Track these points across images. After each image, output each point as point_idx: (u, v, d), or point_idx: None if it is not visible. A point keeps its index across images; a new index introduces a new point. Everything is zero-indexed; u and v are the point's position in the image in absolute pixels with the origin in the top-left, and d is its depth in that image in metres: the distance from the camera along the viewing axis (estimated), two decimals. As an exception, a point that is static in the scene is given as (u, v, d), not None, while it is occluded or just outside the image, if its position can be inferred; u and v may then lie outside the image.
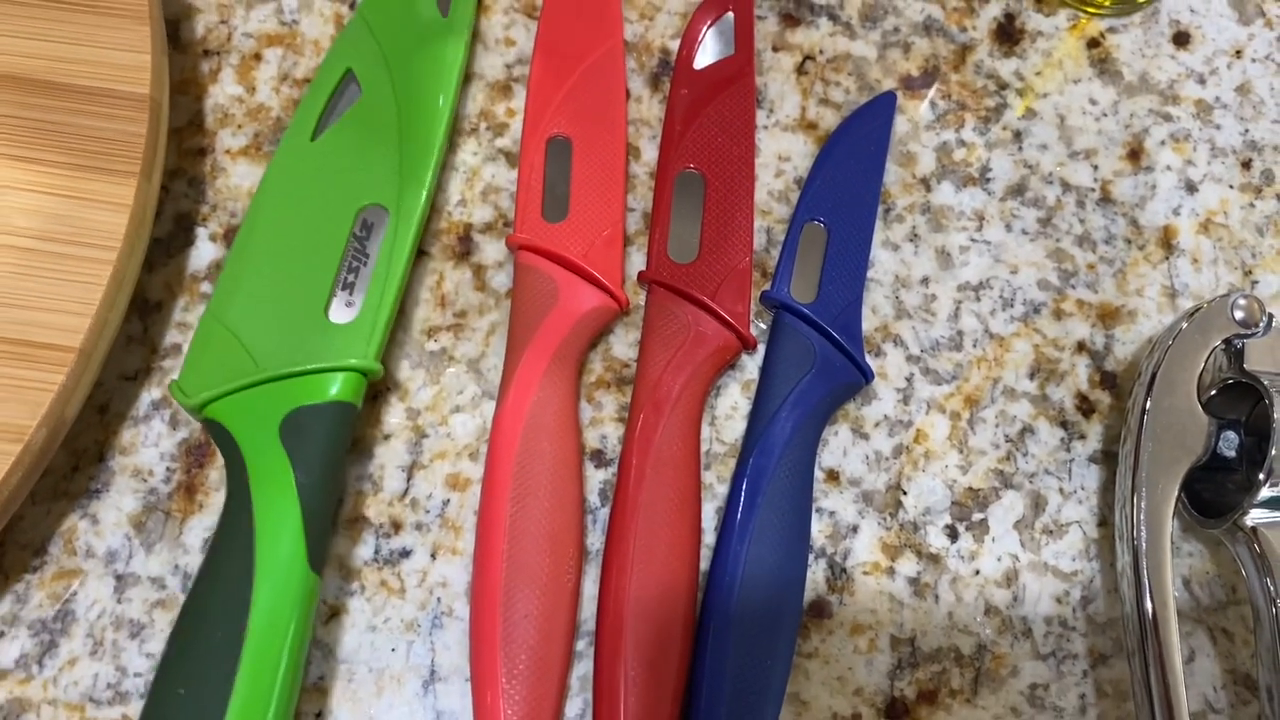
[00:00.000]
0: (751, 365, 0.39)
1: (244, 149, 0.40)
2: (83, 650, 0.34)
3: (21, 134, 0.34)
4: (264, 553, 0.31)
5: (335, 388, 0.33)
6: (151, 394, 0.37)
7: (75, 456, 0.36)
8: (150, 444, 0.36)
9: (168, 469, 0.36)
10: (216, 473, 0.36)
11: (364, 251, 0.36)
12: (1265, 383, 0.35)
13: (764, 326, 0.39)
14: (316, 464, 0.32)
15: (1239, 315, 0.37)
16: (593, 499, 0.36)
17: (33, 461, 0.32)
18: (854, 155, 0.40)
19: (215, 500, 0.36)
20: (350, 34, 0.40)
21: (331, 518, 0.34)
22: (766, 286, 0.39)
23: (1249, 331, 0.36)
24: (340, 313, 0.35)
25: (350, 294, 0.35)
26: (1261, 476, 0.34)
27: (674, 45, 0.43)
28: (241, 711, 0.29)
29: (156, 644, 0.34)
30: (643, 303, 0.39)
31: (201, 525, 0.35)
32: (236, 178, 0.39)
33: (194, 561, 0.35)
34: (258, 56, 0.41)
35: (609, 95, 0.41)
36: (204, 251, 0.38)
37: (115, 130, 0.35)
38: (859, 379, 0.37)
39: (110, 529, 0.35)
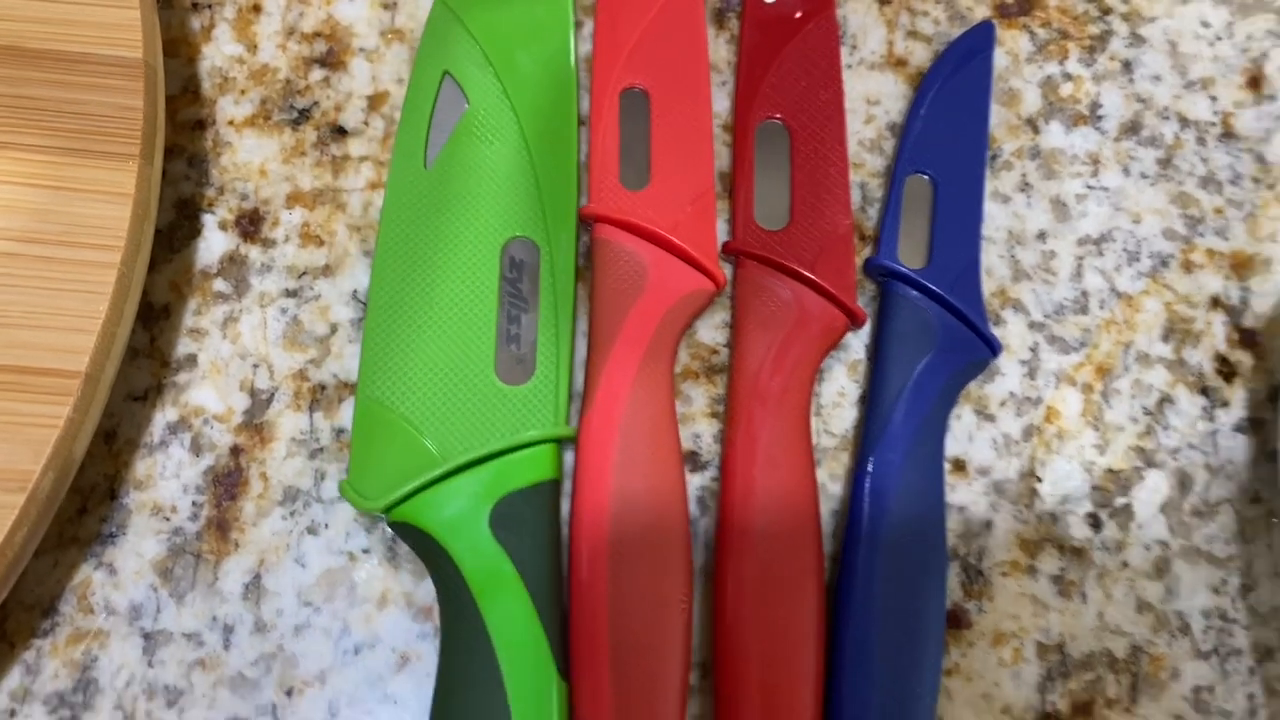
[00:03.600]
0: (856, 344, 0.34)
1: (250, 118, 0.34)
2: (112, 726, 0.29)
3: (-10, 113, 0.28)
4: (512, 674, 0.27)
5: (538, 466, 0.29)
6: (166, 415, 0.31)
7: (82, 496, 0.30)
8: (170, 475, 0.31)
9: (193, 504, 0.30)
10: (252, 504, 0.30)
11: (520, 296, 0.31)
12: None
13: (868, 298, 0.34)
14: (540, 558, 0.28)
15: None
16: (690, 508, 0.32)
17: (40, 512, 0.26)
18: (954, 96, 0.35)
19: (252, 536, 0.30)
20: (437, 27, 0.34)
21: (564, 614, 0.29)
22: (868, 252, 0.34)
23: None
24: (511, 371, 0.30)
25: (518, 347, 0.30)
26: None
27: (737, -24, 0.37)
28: None
29: (198, 712, 0.29)
30: (731, 278, 0.34)
31: (239, 567, 0.30)
32: (245, 153, 0.33)
33: (233, 611, 0.30)
34: (256, 8, 0.35)
35: (689, 38, 0.35)
36: (214, 243, 0.33)
37: (106, 104, 0.29)
38: (986, 354, 0.32)
39: (131, 579, 0.30)
